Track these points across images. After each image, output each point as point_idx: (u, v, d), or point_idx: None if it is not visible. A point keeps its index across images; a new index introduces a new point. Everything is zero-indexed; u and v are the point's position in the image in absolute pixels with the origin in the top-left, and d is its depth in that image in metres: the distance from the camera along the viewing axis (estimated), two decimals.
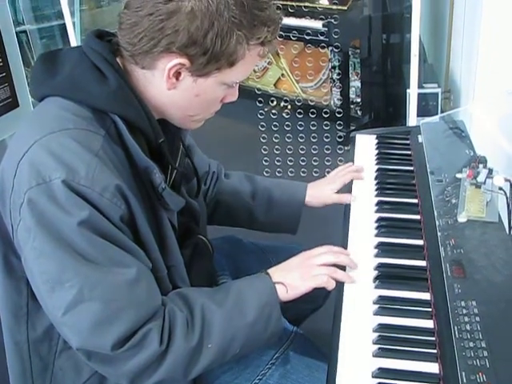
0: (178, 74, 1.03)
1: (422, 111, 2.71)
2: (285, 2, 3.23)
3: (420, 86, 2.72)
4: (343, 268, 1.17)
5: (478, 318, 0.97)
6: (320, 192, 1.51)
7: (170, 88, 1.04)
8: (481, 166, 1.32)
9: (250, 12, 0.99)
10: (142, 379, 1.01)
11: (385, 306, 1.08)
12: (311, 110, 3.34)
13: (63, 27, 3.05)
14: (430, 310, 1.05)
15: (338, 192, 1.50)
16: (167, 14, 0.96)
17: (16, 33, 2.72)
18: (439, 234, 1.20)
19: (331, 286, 1.12)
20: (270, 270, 1.15)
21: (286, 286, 1.11)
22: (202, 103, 1.09)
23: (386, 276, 1.15)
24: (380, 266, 1.18)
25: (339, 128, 3.35)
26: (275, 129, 3.37)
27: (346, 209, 1.41)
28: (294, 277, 1.13)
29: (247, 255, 1.49)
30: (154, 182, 1.05)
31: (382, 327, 1.03)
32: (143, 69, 1.04)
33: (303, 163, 3.23)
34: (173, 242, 1.12)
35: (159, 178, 1.05)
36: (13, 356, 1.14)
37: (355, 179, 1.52)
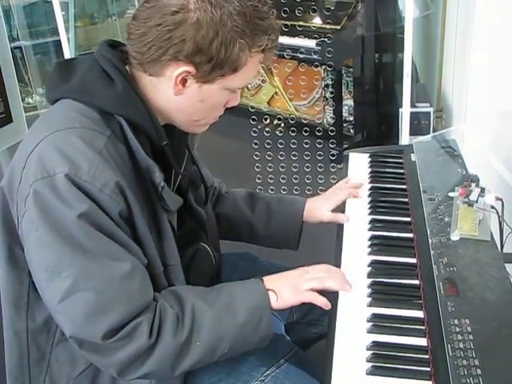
0: (184, 81, 1.07)
1: (415, 130, 2.73)
2: (279, 21, 3.25)
3: (412, 105, 2.74)
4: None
5: (471, 336, 0.97)
6: (316, 209, 1.52)
7: (177, 94, 1.09)
8: (473, 184, 1.33)
9: (252, 21, 1.04)
10: (130, 370, 1.05)
11: (378, 323, 1.08)
12: (304, 128, 3.35)
13: (58, 43, 3.06)
14: (423, 327, 1.05)
15: (333, 211, 1.50)
16: (174, 25, 1.01)
17: (11, 48, 2.74)
18: (432, 252, 1.20)
19: (320, 302, 1.13)
20: (264, 278, 1.16)
21: (277, 294, 1.12)
22: (206, 108, 1.14)
23: (379, 294, 1.15)
24: (373, 284, 1.18)
25: (332, 146, 3.36)
26: (268, 146, 3.38)
27: (339, 227, 1.41)
28: (286, 288, 1.14)
29: (260, 273, 1.51)
30: (154, 180, 1.09)
31: (375, 345, 1.03)
32: (151, 76, 1.09)
33: (296, 181, 3.24)
34: (171, 242, 1.16)
35: (159, 177, 1.09)
36: (11, 345, 1.17)
37: (353, 196, 1.52)
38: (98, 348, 1.03)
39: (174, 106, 1.12)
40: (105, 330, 1.00)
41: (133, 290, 1.03)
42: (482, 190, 1.31)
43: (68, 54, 2.96)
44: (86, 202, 0.99)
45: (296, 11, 3.28)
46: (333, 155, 3.35)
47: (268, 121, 3.66)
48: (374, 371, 0.98)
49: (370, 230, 1.37)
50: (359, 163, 1.70)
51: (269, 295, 1.12)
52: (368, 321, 1.09)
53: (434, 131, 2.84)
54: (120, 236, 1.03)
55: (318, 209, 1.52)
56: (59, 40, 2.91)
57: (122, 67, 1.11)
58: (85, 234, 0.99)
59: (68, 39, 2.98)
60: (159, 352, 1.03)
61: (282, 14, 3.24)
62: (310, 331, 1.56)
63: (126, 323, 1.02)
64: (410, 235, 1.33)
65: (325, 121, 3.76)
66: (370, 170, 1.65)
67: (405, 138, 2.68)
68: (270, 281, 1.15)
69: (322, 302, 1.13)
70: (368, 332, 1.06)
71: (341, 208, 1.50)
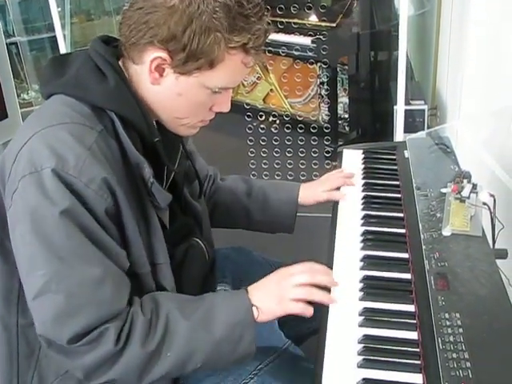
0: (161, 70, 1.07)
1: (409, 127, 2.74)
2: (274, 18, 3.26)
3: (407, 103, 2.76)
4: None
5: (461, 330, 0.99)
6: (311, 191, 1.55)
7: (154, 83, 1.09)
8: (465, 181, 1.34)
9: (233, 17, 1.03)
10: (95, 375, 1.04)
11: (370, 317, 1.09)
12: (299, 125, 3.36)
13: (53, 39, 3.07)
14: (414, 321, 1.06)
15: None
16: (152, 8, 1.03)
17: (6, 44, 2.74)
18: (424, 247, 1.21)
19: (308, 313, 1.11)
20: (250, 288, 1.14)
21: (259, 309, 1.10)
22: (185, 104, 1.13)
23: (371, 288, 1.16)
24: (365, 279, 1.19)
25: (327, 143, 3.37)
26: (263, 143, 3.39)
27: (332, 222, 1.42)
28: (271, 301, 1.11)
29: (254, 266, 1.51)
30: (144, 176, 1.09)
31: (366, 338, 1.04)
32: (134, 64, 1.10)
33: (291, 178, 3.24)
34: (160, 239, 1.15)
35: (148, 173, 1.09)
36: (1, 339, 1.17)
37: (346, 185, 1.55)
38: (64, 350, 1.03)
39: (155, 99, 1.12)
40: (71, 334, 1.00)
41: (104, 296, 1.02)
42: (474, 186, 1.33)
43: (64, 50, 2.96)
44: (70, 198, 0.99)
45: (291, 8, 3.28)
46: (328, 152, 3.36)
47: (263, 118, 3.68)
48: (365, 364, 0.99)
49: (362, 225, 1.37)
50: (353, 159, 1.70)
51: (252, 310, 1.09)
52: (360, 314, 1.09)
53: (428, 128, 2.85)
54: (101, 237, 1.02)
55: (314, 190, 1.55)
56: (55, 36, 2.91)
57: (115, 62, 1.11)
58: (64, 233, 0.99)
59: (64, 35, 2.98)
60: (126, 359, 1.02)
61: (278, 11, 3.25)
62: (304, 326, 1.56)
63: (93, 329, 1.01)
64: (403, 231, 1.34)
65: (320, 118, 3.77)
66: (363, 166, 1.65)
67: (399, 135, 2.69)
68: (253, 292, 1.12)
69: (308, 312, 1.11)
70: (360, 326, 1.07)
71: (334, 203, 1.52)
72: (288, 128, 3.41)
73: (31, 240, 1.00)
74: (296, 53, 3.33)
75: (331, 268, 1.24)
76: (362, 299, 1.13)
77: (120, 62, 1.12)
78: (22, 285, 1.08)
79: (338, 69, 3.60)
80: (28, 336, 1.16)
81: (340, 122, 3.71)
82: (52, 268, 1.00)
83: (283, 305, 1.11)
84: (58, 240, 0.99)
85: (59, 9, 2.88)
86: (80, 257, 1.01)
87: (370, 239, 1.31)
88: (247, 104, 3.61)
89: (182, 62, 1.05)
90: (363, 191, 1.53)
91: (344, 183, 1.56)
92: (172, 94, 1.10)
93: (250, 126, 3.44)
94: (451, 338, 0.97)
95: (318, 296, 1.13)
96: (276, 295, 1.12)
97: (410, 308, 1.10)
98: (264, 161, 3.35)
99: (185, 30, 1.02)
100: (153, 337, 1.04)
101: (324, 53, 3.23)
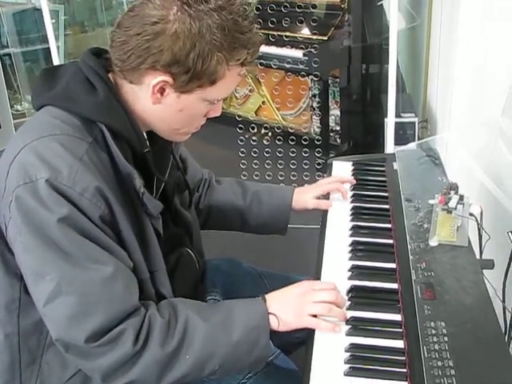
0: (162, 90, 1.09)
1: (400, 140, 2.76)
2: (266, 31, 3.29)
3: (398, 116, 2.78)
4: None
5: (446, 338, 1.00)
6: (301, 197, 1.57)
7: (155, 102, 1.11)
8: (452, 192, 1.36)
9: (231, 35, 1.05)
10: (114, 376, 1.05)
11: (357, 326, 1.10)
12: (291, 138, 3.38)
13: (47, 51, 3.08)
14: (400, 330, 1.08)
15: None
16: (153, 35, 1.03)
17: (0, 55, 2.75)
18: (411, 257, 1.23)
19: (323, 328, 1.11)
20: (267, 296, 1.15)
21: (279, 319, 1.12)
22: (185, 118, 1.15)
23: (358, 298, 1.17)
24: (353, 289, 1.20)
25: (318, 155, 3.39)
26: (255, 155, 3.40)
27: (321, 232, 1.44)
28: (289, 313, 1.13)
29: (243, 277, 1.52)
30: (135, 186, 1.10)
31: (353, 347, 1.05)
32: (131, 83, 1.11)
33: None
34: (155, 247, 1.16)
35: (138, 183, 1.10)
36: (2, 348, 1.17)
37: (339, 190, 1.57)
38: (82, 352, 1.04)
39: (154, 114, 1.14)
40: (88, 333, 1.01)
41: (115, 292, 1.03)
42: (461, 197, 1.34)
43: (57, 61, 2.97)
44: (67, 206, 1.00)
45: (283, 22, 3.31)
46: (319, 164, 3.37)
47: (255, 130, 3.69)
48: (352, 372, 1.00)
49: (351, 235, 1.39)
50: (342, 171, 1.72)
51: (269, 317, 1.11)
52: (347, 323, 1.11)
53: (418, 141, 2.87)
54: (102, 239, 1.04)
55: (303, 196, 1.56)
56: (49, 47, 2.92)
57: (105, 75, 1.12)
58: (65, 238, 1.00)
59: (58, 47, 2.99)
60: (145, 360, 1.03)
61: (270, 25, 3.27)
62: (293, 336, 1.57)
63: (110, 328, 1.02)
64: (391, 241, 1.35)
65: (311, 130, 3.79)
66: (352, 177, 1.67)
67: (390, 148, 2.71)
68: (272, 302, 1.14)
69: (327, 328, 1.11)
70: (347, 334, 1.08)
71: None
72: (279, 140, 3.43)
73: (34, 247, 1.01)
74: (288, 65, 3.35)
75: (319, 277, 1.25)
76: (349, 309, 1.15)
77: (110, 75, 1.14)
78: (22, 295, 1.10)
79: (330, 81, 3.62)
80: (29, 344, 1.16)
81: (331, 134, 3.73)
82: (60, 270, 1.01)
83: (301, 318, 1.13)
84: (62, 243, 1.00)
85: (53, 20, 2.90)
86: (87, 256, 1.02)
87: (359, 249, 1.33)
88: (239, 116, 3.63)
89: (185, 82, 1.07)
90: (352, 202, 1.54)
91: (337, 188, 1.57)
92: (173, 110, 1.12)
93: (241, 137, 3.46)
94: (436, 347, 0.99)
95: (336, 313, 1.13)
96: (295, 308, 1.14)
97: (397, 317, 1.11)
98: (255, 172, 3.36)
99: (188, 54, 1.04)
100: (172, 338, 1.05)
101: (315, 65, 3.25)
